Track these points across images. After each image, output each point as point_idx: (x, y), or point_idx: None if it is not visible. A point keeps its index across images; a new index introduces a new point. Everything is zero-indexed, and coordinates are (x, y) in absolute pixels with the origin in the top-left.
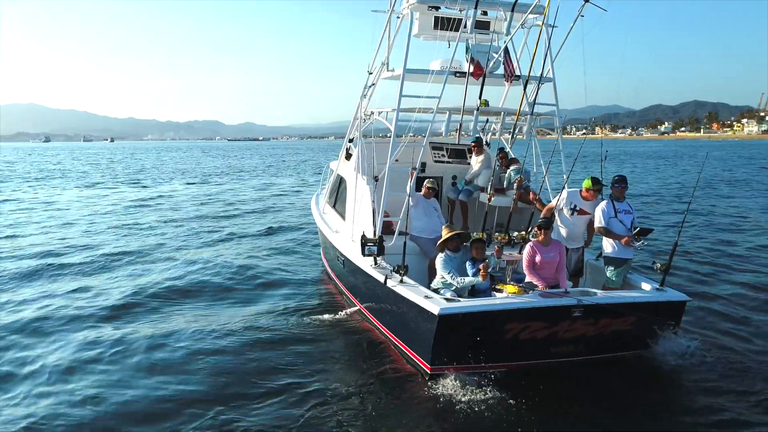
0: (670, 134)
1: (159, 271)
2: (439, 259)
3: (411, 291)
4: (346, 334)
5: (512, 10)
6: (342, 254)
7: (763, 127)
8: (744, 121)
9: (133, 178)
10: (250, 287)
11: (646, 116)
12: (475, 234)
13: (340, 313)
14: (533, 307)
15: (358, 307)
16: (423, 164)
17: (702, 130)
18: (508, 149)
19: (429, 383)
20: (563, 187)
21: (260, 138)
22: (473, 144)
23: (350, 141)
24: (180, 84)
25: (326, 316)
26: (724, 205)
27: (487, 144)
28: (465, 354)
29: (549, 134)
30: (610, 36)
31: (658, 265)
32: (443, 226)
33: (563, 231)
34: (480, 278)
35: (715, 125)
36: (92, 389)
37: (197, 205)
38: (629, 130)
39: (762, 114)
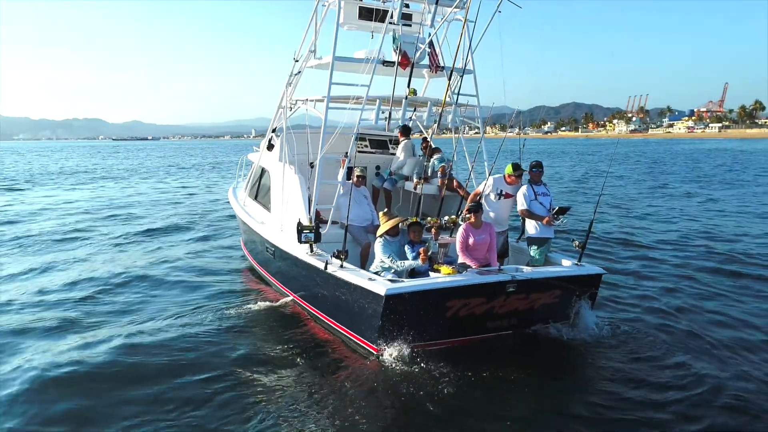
0: (552, 134)
1: (61, 285)
2: (378, 244)
3: (354, 275)
4: (281, 324)
5: (436, 3)
6: (272, 245)
7: (631, 127)
8: (615, 121)
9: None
10: (169, 288)
11: (531, 116)
12: (410, 218)
13: (271, 303)
14: (473, 284)
15: (291, 297)
16: (346, 154)
17: (580, 130)
18: (430, 139)
19: (375, 364)
20: (488, 174)
21: (149, 137)
22: (399, 131)
23: (273, 131)
24: (56, 79)
25: (257, 309)
26: (620, 194)
27: (406, 132)
28: (410, 332)
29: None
30: (507, 39)
31: (576, 242)
32: (381, 214)
33: (491, 215)
34: (420, 261)
35: (591, 125)
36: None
37: (95, 210)
38: (517, 130)
39: (630, 115)
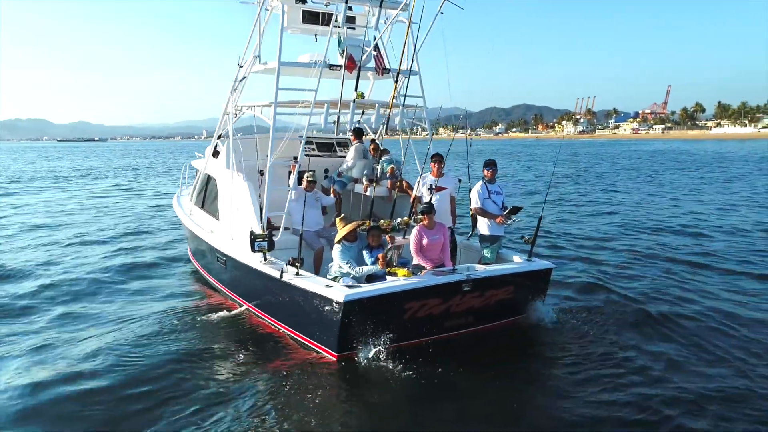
0: (504, 135)
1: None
2: (336, 250)
3: (311, 282)
4: (237, 334)
5: (380, 6)
6: (223, 254)
7: (579, 129)
8: (564, 122)
9: None
10: (113, 300)
11: (483, 118)
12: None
13: (225, 314)
14: (429, 285)
15: (245, 306)
16: (295, 158)
17: (530, 131)
18: (379, 141)
19: (336, 370)
20: (419, 176)
21: (96, 138)
22: (352, 134)
23: (219, 138)
24: None
25: (211, 320)
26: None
27: (360, 135)
28: (369, 337)
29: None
30: (464, 41)
31: (526, 238)
32: (337, 219)
33: None
34: (378, 266)
35: (540, 126)
36: None
37: (31, 215)
38: (469, 131)
39: (578, 117)
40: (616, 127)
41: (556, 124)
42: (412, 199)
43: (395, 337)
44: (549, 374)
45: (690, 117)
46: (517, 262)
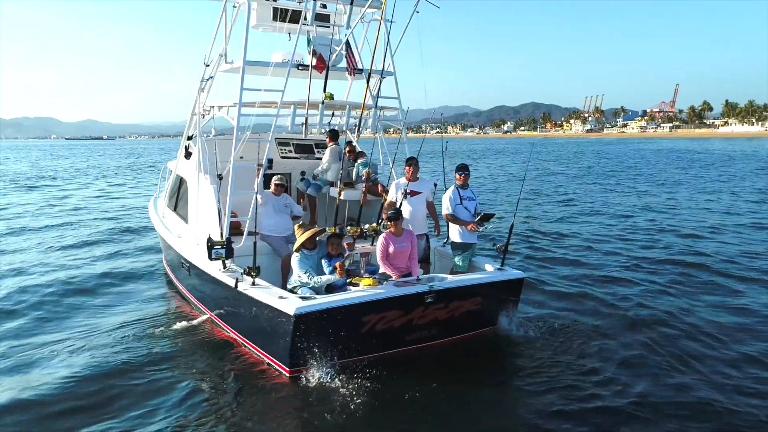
0: (512, 133)
1: None
2: (295, 258)
3: (264, 293)
4: (197, 345)
5: (351, 4)
6: (186, 260)
7: (587, 127)
8: (572, 121)
9: None
10: (80, 305)
11: (491, 116)
12: (328, 229)
13: (188, 323)
14: (388, 297)
15: (208, 315)
16: (270, 161)
17: (538, 129)
18: (355, 143)
19: (289, 386)
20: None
21: (104, 137)
22: (327, 135)
23: (189, 138)
24: (6, 77)
25: (174, 329)
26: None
27: (335, 136)
28: (324, 351)
29: (393, 134)
30: (463, 40)
31: (498, 246)
32: (296, 226)
33: (404, 217)
34: (337, 275)
35: (549, 125)
36: None
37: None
38: (477, 129)
39: (586, 115)
40: (624, 125)
41: (564, 123)
42: (385, 204)
43: (352, 352)
44: (515, 386)
45: (697, 115)
46: (488, 270)
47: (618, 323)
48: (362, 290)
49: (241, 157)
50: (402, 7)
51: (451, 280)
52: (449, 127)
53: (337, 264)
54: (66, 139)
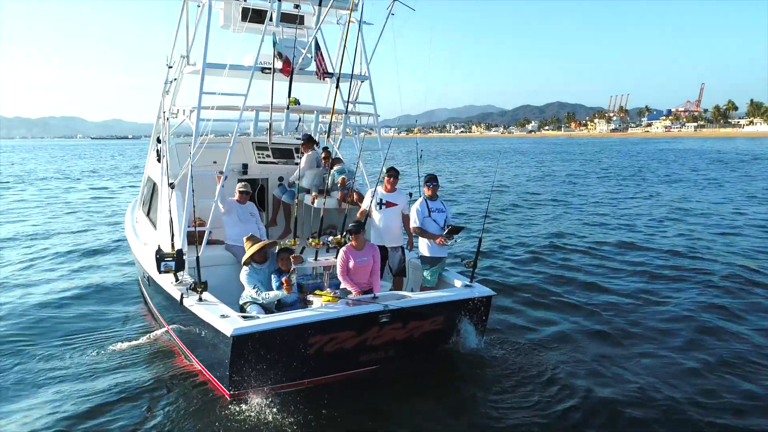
0: (536, 132)
1: None
2: (244, 272)
3: (207, 310)
4: (149, 358)
5: (319, 4)
6: (146, 270)
7: (611, 126)
8: (596, 120)
9: None
10: (46, 310)
11: (516, 115)
12: (284, 242)
13: (147, 336)
14: (336, 317)
15: (165, 328)
16: (245, 165)
17: (562, 129)
18: (335, 149)
19: (228, 409)
20: (372, 187)
21: (129, 136)
22: (302, 142)
23: (159, 141)
24: (33, 76)
25: (132, 342)
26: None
27: (316, 144)
28: (267, 375)
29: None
30: (486, 39)
31: (467, 262)
32: (244, 238)
33: (377, 229)
34: (284, 291)
35: (573, 124)
36: None
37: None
38: (501, 128)
39: (611, 115)
40: (649, 125)
41: (588, 122)
42: (358, 214)
43: (299, 374)
44: (478, 408)
45: (722, 115)
46: (455, 287)
47: (598, 343)
48: (309, 310)
49: (215, 162)
50: (379, 9)
51: (410, 298)
52: (473, 127)
53: (284, 279)
54: (91, 138)
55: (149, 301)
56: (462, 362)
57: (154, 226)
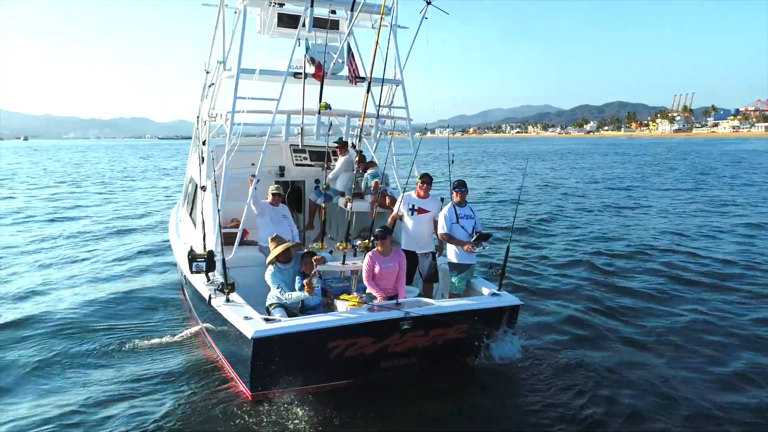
0: (595, 133)
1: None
2: (268, 272)
3: (233, 311)
4: (182, 352)
5: (351, 9)
6: (182, 269)
7: (675, 127)
8: (658, 120)
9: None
10: (103, 300)
11: (574, 116)
12: (312, 246)
13: (183, 331)
14: (357, 323)
15: (199, 326)
16: (282, 168)
17: (623, 129)
18: (372, 153)
19: (249, 409)
20: (403, 191)
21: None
22: (336, 145)
23: (203, 144)
24: (105, 78)
25: (170, 336)
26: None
27: (353, 146)
28: (288, 377)
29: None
30: (541, 38)
31: (495, 269)
32: (269, 239)
33: (409, 234)
34: (306, 293)
35: (634, 124)
36: None
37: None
38: (558, 129)
39: (674, 114)
40: (715, 125)
41: (650, 122)
42: (389, 219)
43: (319, 378)
44: (500, 424)
45: None
46: (483, 295)
47: (633, 358)
48: (329, 314)
49: (252, 164)
50: (413, 13)
51: (432, 306)
52: (530, 127)
53: (305, 282)
54: (159, 138)
55: (187, 298)
56: (484, 372)
57: (195, 225)
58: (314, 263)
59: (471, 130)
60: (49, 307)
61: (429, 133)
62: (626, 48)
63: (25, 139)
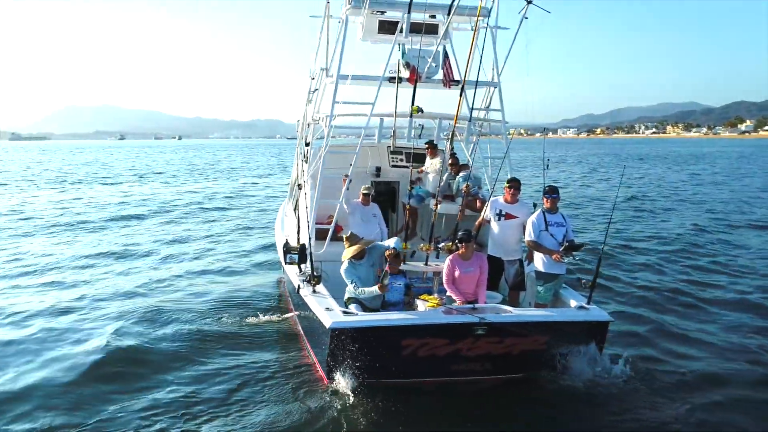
0: (752, 133)
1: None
2: (343, 267)
3: (316, 301)
4: (275, 334)
5: (449, 13)
6: (279, 259)
7: None
8: None
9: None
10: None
11: (726, 114)
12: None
13: (279, 315)
14: (429, 323)
15: (292, 313)
16: (378, 168)
17: None
18: (468, 155)
19: (324, 394)
20: (490, 196)
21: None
22: (427, 147)
23: (307, 145)
24: (244, 83)
25: (267, 316)
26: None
27: (450, 149)
28: (361, 368)
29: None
30: (688, 31)
31: (584, 281)
32: (344, 237)
33: (495, 240)
34: (377, 290)
35: None
36: None
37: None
38: (705, 129)
39: None
40: None
41: None
42: (476, 223)
43: (391, 373)
44: None
45: None
46: (570, 307)
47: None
48: (406, 313)
49: (350, 165)
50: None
51: (510, 314)
52: (668, 127)
53: (378, 285)
54: (288, 138)
55: (285, 286)
56: (564, 390)
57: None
58: (389, 259)
59: (599, 130)
60: (205, 289)
61: (550, 133)
62: None
63: (179, 138)
